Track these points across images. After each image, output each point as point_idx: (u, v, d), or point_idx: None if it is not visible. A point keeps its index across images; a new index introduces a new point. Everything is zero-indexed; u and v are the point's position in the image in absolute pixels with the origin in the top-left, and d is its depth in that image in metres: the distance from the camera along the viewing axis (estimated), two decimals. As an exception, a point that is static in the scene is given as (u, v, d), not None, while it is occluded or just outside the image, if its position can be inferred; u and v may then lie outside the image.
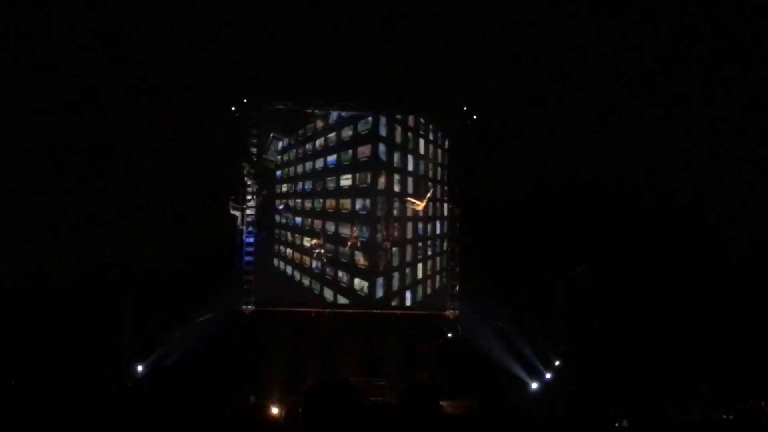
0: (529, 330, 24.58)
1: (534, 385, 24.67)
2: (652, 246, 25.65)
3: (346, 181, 24.66)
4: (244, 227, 24.30)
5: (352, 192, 24.66)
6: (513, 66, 26.90)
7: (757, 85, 26.15)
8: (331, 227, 24.60)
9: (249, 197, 24.46)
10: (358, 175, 24.74)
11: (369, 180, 24.74)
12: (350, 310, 24.44)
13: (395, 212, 24.93)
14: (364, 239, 24.60)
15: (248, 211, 24.41)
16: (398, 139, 25.17)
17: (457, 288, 25.06)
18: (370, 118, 24.87)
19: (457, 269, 25.11)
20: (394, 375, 24.08)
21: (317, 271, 24.50)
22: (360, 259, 24.62)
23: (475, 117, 25.32)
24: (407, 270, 25.05)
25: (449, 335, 25.15)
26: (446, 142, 25.52)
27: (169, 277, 25.93)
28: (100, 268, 26.36)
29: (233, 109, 24.72)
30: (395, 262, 24.88)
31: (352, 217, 24.61)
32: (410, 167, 25.15)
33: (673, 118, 27.26)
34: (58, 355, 23.33)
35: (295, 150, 24.97)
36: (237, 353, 23.48)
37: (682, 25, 26.32)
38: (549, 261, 24.89)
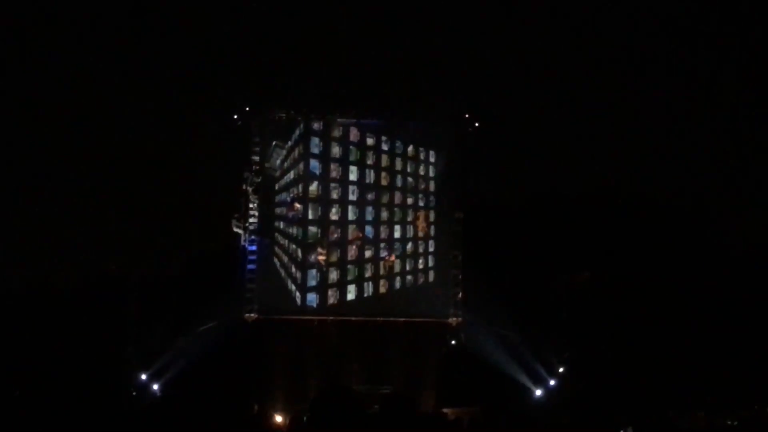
0: (533, 337, 24.53)
1: (538, 392, 24.61)
2: (655, 252, 25.62)
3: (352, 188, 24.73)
4: (247, 240, 24.27)
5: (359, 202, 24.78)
6: (514, 73, 26.94)
7: (757, 89, 26.17)
8: (334, 234, 24.64)
9: (252, 206, 24.45)
10: (361, 184, 24.81)
11: (373, 190, 24.85)
12: (353, 318, 24.42)
13: (396, 220, 25.03)
14: (368, 246, 24.67)
15: (251, 219, 24.40)
16: (398, 148, 25.27)
17: (461, 295, 25.02)
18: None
19: (460, 277, 25.07)
20: (398, 383, 24.03)
21: (318, 279, 24.48)
22: (362, 264, 24.67)
23: (477, 124, 25.33)
24: (409, 277, 25.08)
25: (453, 343, 25.10)
26: (447, 150, 25.54)
27: (172, 285, 25.94)
28: (104, 278, 26.38)
29: (235, 117, 24.76)
30: (397, 268, 24.91)
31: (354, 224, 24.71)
32: (409, 176, 25.27)
33: (674, 124, 27.29)
34: (62, 363, 23.32)
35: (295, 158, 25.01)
36: (240, 361, 23.45)
37: (683, 29, 26.36)
38: (552, 268, 24.87)
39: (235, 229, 24.23)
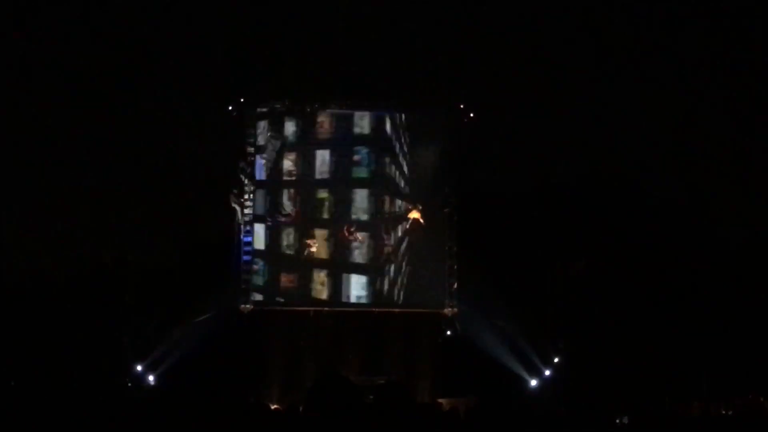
0: (528, 327, 24.56)
1: (533, 382, 24.66)
2: (650, 242, 25.66)
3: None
4: (243, 225, 24.21)
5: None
6: (509, 64, 26.89)
7: (756, 85, 26.20)
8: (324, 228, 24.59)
9: (246, 197, 24.38)
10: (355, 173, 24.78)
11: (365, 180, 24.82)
12: (349, 309, 24.43)
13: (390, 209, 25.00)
14: (361, 236, 24.65)
15: (246, 210, 24.35)
16: (393, 138, 25.17)
17: (456, 286, 25.00)
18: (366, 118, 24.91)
19: (455, 267, 25.05)
20: (394, 373, 24.06)
21: (313, 270, 24.44)
22: (357, 256, 24.65)
23: (471, 115, 25.27)
24: (405, 268, 25.05)
25: (448, 333, 25.13)
26: (442, 140, 25.45)
27: (167, 276, 25.92)
28: (99, 268, 26.35)
29: (230, 108, 24.68)
30: (393, 259, 24.88)
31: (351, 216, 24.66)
32: (404, 166, 25.21)
33: (671, 115, 27.30)
34: (57, 354, 23.31)
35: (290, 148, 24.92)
36: (236, 352, 23.47)
37: (681, 24, 26.34)
38: (547, 258, 24.90)
39: (233, 204, 24.15)
